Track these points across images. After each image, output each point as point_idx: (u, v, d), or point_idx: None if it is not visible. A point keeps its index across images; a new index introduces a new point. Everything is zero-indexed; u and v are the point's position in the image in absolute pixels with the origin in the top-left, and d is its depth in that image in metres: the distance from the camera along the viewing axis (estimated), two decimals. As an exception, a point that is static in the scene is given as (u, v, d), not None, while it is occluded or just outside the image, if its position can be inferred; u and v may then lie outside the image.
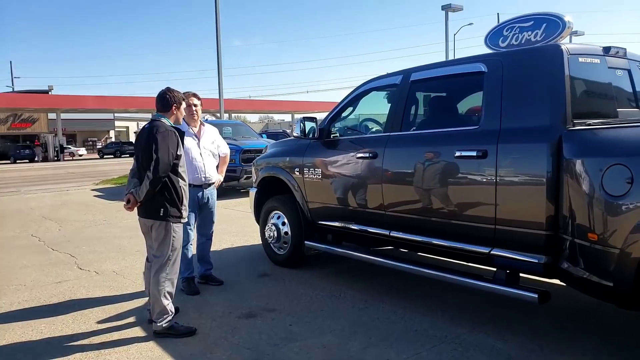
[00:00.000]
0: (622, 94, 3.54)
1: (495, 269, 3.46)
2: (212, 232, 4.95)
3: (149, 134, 3.64)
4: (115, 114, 56.16)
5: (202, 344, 3.49)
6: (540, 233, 3.08)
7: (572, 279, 2.98)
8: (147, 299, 4.13)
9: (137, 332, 3.76)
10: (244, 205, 9.79)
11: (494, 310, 3.90)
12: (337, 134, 4.82)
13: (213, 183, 4.85)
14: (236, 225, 7.75)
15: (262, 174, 5.67)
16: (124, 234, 7.54)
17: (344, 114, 4.82)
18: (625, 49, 3.57)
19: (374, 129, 5.00)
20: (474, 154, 3.37)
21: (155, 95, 3.87)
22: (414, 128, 4.11)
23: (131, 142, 52.30)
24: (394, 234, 4.06)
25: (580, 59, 3.22)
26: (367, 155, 4.19)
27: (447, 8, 23.63)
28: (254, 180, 5.97)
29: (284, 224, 5.31)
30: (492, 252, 3.37)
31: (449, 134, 3.68)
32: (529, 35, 15.29)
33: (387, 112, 4.19)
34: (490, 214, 3.32)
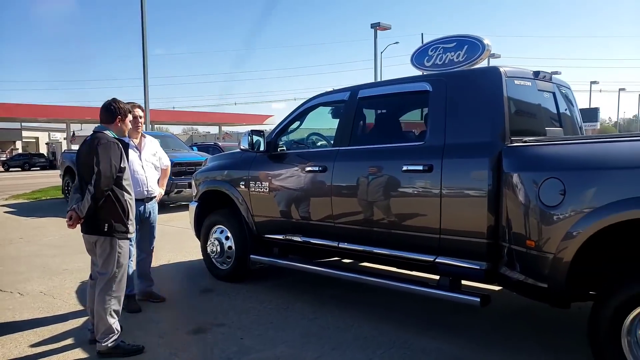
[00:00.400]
0: (548, 115, 3.93)
1: (439, 276, 3.67)
2: (153, 248, 4.81)
3: (90, 146, 3.50)
4: (23, 124, 52.26)
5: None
6: (482, 241, 3.33)
7: (511, 282, 3.24)
8: (86, 318, 3.94)
9: (78, 353, 3.57)
10: (177, 221, 9.54)
11: (437, 315, 4.12)
12: (284, 148, 4.88)
13: (155, 197, 4.74)
14: (171, 241, 7.52)
15: (204, 187, 5.59)
16: (46, 252, 7.06)
17: (290, 128, 4.90)
18: (550, 73, 3.97)
19: (319, 144, 5.13)
20: (420, 168, 3.57)
21: (100, 107, 3.74)
22: (363, 143, 4.27)
23: (42, 154, 48.93)
24: (342, 245, 4.18)
25: (515, 81, 3.55)
26: (316, 168, 4.29)
27: (376, 26, 24.58)
28: (193, 195, 5.86)
29: (227, 238, 5.27)
30: (436, 260, 3.58)
31: (397, 149, 3.88)
32: (452, 56, 16.21)
33: (336, 127, 4.33)
34: (435, 225, 3.53)
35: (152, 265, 4.93)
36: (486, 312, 4.10)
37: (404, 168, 3.66)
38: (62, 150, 24.97)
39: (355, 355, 3.40)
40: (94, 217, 3.44)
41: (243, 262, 5.12)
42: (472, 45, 13.89)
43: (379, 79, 26.38)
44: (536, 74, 3.84)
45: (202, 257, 6.10)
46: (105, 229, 3.46)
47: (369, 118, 4.44)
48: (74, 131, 40.63)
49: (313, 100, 4.72)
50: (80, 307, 4.55)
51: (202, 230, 5.56)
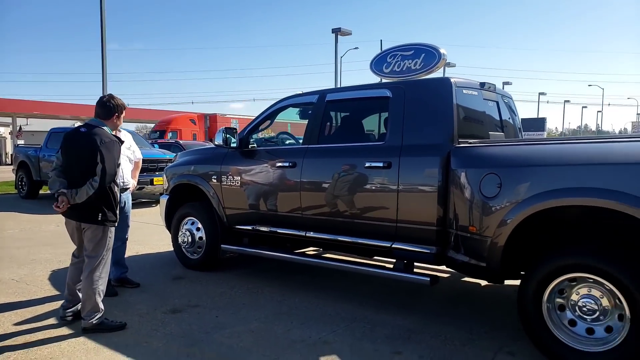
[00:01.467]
0: (492, 121, 4.51)
1: (395, 260, 4.16)
2: (128, 237, 5.08)
3: (90, 141, 3.70)
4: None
5: (135, 336, 3.69)
6: (432, 229, 3.84)
7: (456, 263, 3.77)
8: (62, 301, 4.19)
9: (63, 330, 3.82)
10: (140, 216, 9.70)
11: (392, 296, 4.62)
12: (255, 145, 5.25)
13: (129, 188, 5.02)
14: (137, 235, 7.71)
15: (175, 181, 5.88)
16: (10, 244, 7.12)
17: (262, 127, 5.28)
18: (494, 84, 4.55)
19: (286, 142, 5.55)
20: (380, 164, 4.05)
21: (97, 102, 3.98)
22: (330, 141, 4.72)
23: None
24: (309, 234, 4.61)
25: (464, 91, 4.09)
26: (286, 164, 4.70)
27: (337, 31, 25.17)
28: (164, 188, 6.15)
29: (198, 229, 5.59)
30: (393, 246, 4.06)
31: (361, 148, 4.36)
32: (409, 64, 17.11)
33: (305, 127, 4.76)
34: (393, 215, 4.02)
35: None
36: (434, 293, 4.65)
37: (367, 165, 4.13)
38: (16, 144, 24.11)
39: (321, 328, 3.83)
40: (89, 206, 3.71)
41: (214, 252, 5.46)
42: (429, 54, 14.64)
43: (339, 83, 27.02)
44: (482, 84, 4.41)
45: (169, 250, 6.42)
46: (99, 218, 3.75)
47: (335, 119, 4.89)
48: (20, 126, 39.12)
49: (284, 102, 5.14)
50: (56, 292, 4.77)
51: (173, 222, 5.85)
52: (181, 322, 4.00)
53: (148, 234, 7.95)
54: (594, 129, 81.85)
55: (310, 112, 4.86)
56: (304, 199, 4.58)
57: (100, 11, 18.22)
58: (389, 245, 4.08)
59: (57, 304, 4.37)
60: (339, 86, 26.32)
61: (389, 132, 4.15)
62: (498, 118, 4.67)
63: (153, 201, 12.03)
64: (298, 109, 5.46)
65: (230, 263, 5.84)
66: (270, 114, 5.22)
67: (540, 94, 60.44)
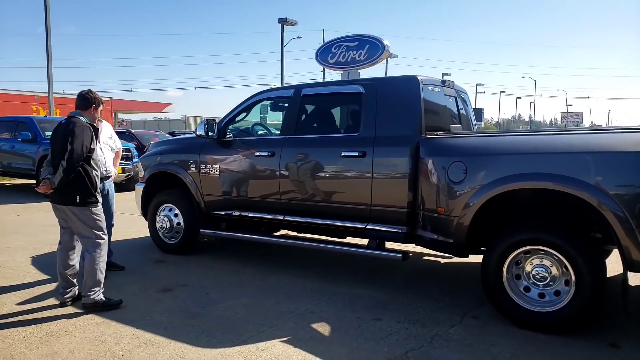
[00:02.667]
0: (451, 114, 5.04)
1: (368, 240, 4.62)
2: (113, 223, 5.27)
3: (65, 128, 4.02)
4: None
5: (137, 312, 3.96)
6: (403, 211, 4.31)
7: (425, 241, 4.28)
8: (55, 283, 4.37)
9: (68, 309, 4.04)
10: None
11: (364, 273, 5.09)
12: (231, 135, 5.54)
13: (111, 175, 5.20)
14: (104, 222, 7.79)
15: (152, 170, 6.07)
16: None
17: (238, 118, 5.57)
18: (453, 81, 5.08)
19: (260, 132, 5.87)
20: (356, 154, 4.48)
21: (77, 94, 4.23)
22: (306, 132, 5.08)
23: None
24: (288, 218, 4.98)
25: (429, 88, 4.57)
26: (265, 153, 5.03)
27: (283, 22, 25.32)
28: (140, 176, 6.31)
29: (176, 215, 5.82)
30: (367, 227, 4.52)
31: (337, 139, 4.78)
32: (354, 54, 17.67)
33: (282, 118, 5.11)
34: (367, 199, 4.46)
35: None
36: (401, 270, 5.17)
37: (343, 154, 4.55)
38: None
39: (305, 301, 4.24)
40: (68, 189, 3.95)
41: (192, 236, 5.73)
42: (373, 46, 15.21)
43: (284, 72, 27.20)
44: (443, 82, 4.93)
45: (141, 236, 6.63)
46: (77, 200, 3.98)
47: (311, 112, 5.27)
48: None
49: (260, 95, 5.45)
50: (45, 276, 4.92)
51: (149, 209, 6.05)
52: (175, 299, 4.29)
53: (118, 222, 8.01)
54: (527, 119, 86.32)
55: (286, 105, 5.21)
56: (283, 185, 4.94)
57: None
58: (364, 226, 4.52)
59: (51, 286, 4.56)
60: (284, 74, 26.54)
61: (363, 125, 4.57)
62: (456, 111, 5.21)
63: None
64: (270, 102, 5.79)
65: (206, 248, 6.12)
66: (246, 107, 5.52)
67: (477, 84, 62.69)
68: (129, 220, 7.81)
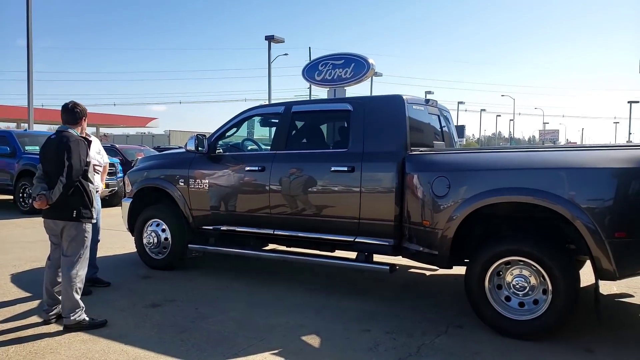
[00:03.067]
0: (434, 132, 5.21)
1: (357, 253, 4.73)
2: (99, 240, 5.28)
3: (59, 143, 4.01)
4: None
5: (125, 328, 3.98)
6: (390, 224, 4.44)
7: (411, 253, 4.40)
8: (37, 301, 4.35)
9: (52, 327, 4.01)
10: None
11: (351, 286, 5.18)
12: (221, 150, 5.62)
13: (99, 190, 5.23)
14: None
15: (139, 185, 6.10)
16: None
17: (228, 133, 5.67)
18: (436, 100, 5.27)
19: (249, 147, 5.97)
20: (345, 169, 4.61)
21: (62, 108, 4.23)
22: (296, 148, 5.20)
23: None
24: (278, 232, 5.07)
25: (413, 106, 4.74)
26: (255, 168, 5.13)
27: (270, 39, 25.67)
28: (127, 191, 6.34)
29: (163, 230, 5.85)
30: (356, 240, 4.63)
31: (327, 154, 4.91)
32: (340, 72, 17.95)
33: (273, 134, 5.23)
34: (356, 213, 4.58)
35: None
36: (388, 283, 5.28)
37: (332, 169, 4.67)
38: None
39: (294, 315, 4.30)
40: (64, 204, 3.96)
41: (180, 252, 5.76)
42: (358, 64, 15.48)
43: (271, 88, 27.44)
44: (427, 101, 5.11)
45: (125, 252, 6.65)
46: (74, 215, 4.00)
47: (301, 128, 5.40)
48: None
49: (251, 111, 5.57)
50: (26, 294, 4.89)
51: (136, 224, 6.07)
52: (164, 314, 4.31)
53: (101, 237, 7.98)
54: (507, 135, 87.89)
55: (276, 121, 5.33)
56: (273, 199, 5.03)
57: (27, 9, 17.49)
58: (353, 239, 4.64)
59: (33, 304, 4.54)
60: (271, 91, 26.75)
61: (351, 141, 4.71)
62: (439, 129, 5.39)
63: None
64: (260, 118, 5.91)
65: (193, 264, 6.15)
66: (237, 122, 5.62)
67: (459, 102, 64.13)
68: (113, 235, 7.79)
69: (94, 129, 51.91)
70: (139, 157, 6.87)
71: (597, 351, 3.53)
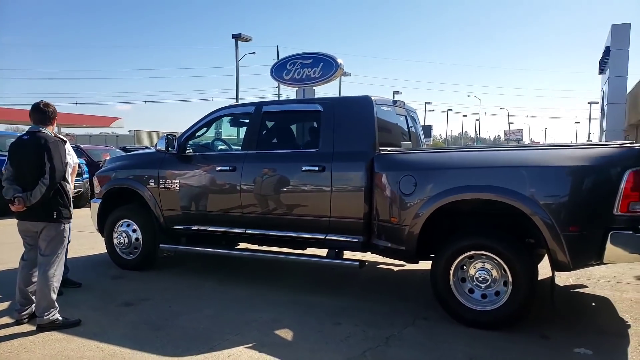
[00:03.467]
0: (402, 132, 5.40)
1: (327, 250, 4.86)
2: (70, 240, 5.23)
3: (37, 144, 3.98)
4: None
5: (99, 326, 4.00)
6: (360, 221, 4.59)
7: (380, 248, 4.56)
8: (7, 302, 4.32)
9: (25, 327, 4.01)
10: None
11: (321, 282, 5.31)
12: (191, 150, 5.66)
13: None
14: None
15: (109, 186, 6.07)
16: None
17: (198, 133, 5.72)
18: (404, 101, 5.45)
19: (219, 147, 6.03)
20: (315, 168, 4.73)
21: (32, 108, 4.20)
22: (267, 148, 5.29)
23: None
24: (250, 231, 5.15)
25: (382, 107, 4.91)
26: (226, 168, 5.20)
27: (237, 37, 25.47)
28: (96, 192, 6.30)
29: (134, 230, 5.85)
30: (327, 237, 4.76)
31: (297, 154, 5.02)
32: (308, 72, 18.16)
33: (244, 134, 5.31)
34: (327, 211, 4.71)
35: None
36: (357, 279, 5.44)
37: (303, 168, 4.79)
38: None
39: (267, 311, 4.40)
40: (45, 205, 3.95)
41: (151, 252, 5.78)
42: (327, 64, 15.67)
43: (239, 87, 27.29)
44: (394, 102, 5.30)
45: (94, 253, 6.60)
46: (55, 216, 4.00)
47: (271, 129, 5.49)
48: None
49: (221, 111, 5.63)
50: (-5, 295, 4.83)
51: (106, 224, 6.04)
52: (138, 312, 4.35)
53: (67, 239, 7.88)
54: (473, 135, 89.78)
55: (247, 121, 5.41)
56: (244, 199, 5.12)
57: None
58: (324, 237, 4.77)
59: (3, 305, 4.49)
60: (239, 90, 26.61)
61: (322, 141, 4.84)
62: (406, 129, 5.58)
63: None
64: (230, 118, 5.97)
65: (165, 264, 6.16)
66: (207, 122, 5.67)
67: (426, 103, 65.13)
68: (81, 237, 7.70)
69: (55, 129, 50.46)
70: (107, 158, 6.82)
71: (552, 337, 3.77)
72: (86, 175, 12.11)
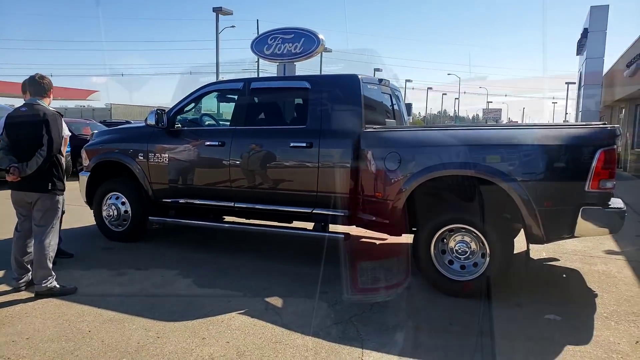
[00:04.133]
0: (386, 110, 5.56)
1: (314, 223, 5.05)
2: (64, 211, 5.32)
3: (36, 116, 4.06)
4: None
5: (94, 294, 4.16)
6: (345, 196, 4.78)
7: (365, 222, 4.78)
8: (3, 271, 4.43)
9: (23, 294, 4.15)
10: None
11: (310, 255, 5.52)
12: (179, 125, 5.74)
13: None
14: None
15: (97, 159, 6.14)
16: None
17: (187, 109, 5.79)
18: (389, 80, 5.61)
19: (207, 123, 6.12)
20: (303, 145, 4.88)
21: (29, 81, 4.26)
22: (255, 124, 5.41)
23: None
24: (238, 204, 5.31)
25: (368, 86, 5.06)
26: (215, 143, 5.31)
27: (217, 10, 25.09)
28: (85, 165, 6.35)
29: (123, 203, 5.95)
30: (313, 211, 4.95)
31: (286, 130, 5.16)
32: (290, 47, 18.07)
33: (233, 110, 5.41)
34: (314, 186, 4.89)
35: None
36: (345, 251, 5.65)
37: (291, 144, 4.94)
38: None
39: (257, 280, 4.60)
40: (40, 177, 4.05)
41: (140, 224, 5.89)
42: (309, 39, 15.61)
43: (220, 61, 27.00)
44: (380, 80, 5.45)
45: (81, 225, 6.68)
46: (49, 187, 4.10)
47: (259, 105, 5.60)
48: None
49: (210, 87, 5.70)
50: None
51: (95, 197, 6.12)
52: (132, 281, 4.51)
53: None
54: (452, 114, 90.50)
55: (235, 97, 5.51)
56: (233, 174, 5.25)
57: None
58: (310, 211, 4.95)
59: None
60: (219, 64, 26.32)
61: (309, 118, 4.98)
62: (391, 107, 5.75)
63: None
64: (218, 94, 6.05)
65: (154, 235, 6.29)
66: (195, 98, 5.75)
67: (407, 80, 65.30)
68: (68, 210, 7.71)
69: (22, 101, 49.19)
70: (95, 132, 6.84)
71: (525, 305, 4.06)
72: (68, 149, 11.98)
